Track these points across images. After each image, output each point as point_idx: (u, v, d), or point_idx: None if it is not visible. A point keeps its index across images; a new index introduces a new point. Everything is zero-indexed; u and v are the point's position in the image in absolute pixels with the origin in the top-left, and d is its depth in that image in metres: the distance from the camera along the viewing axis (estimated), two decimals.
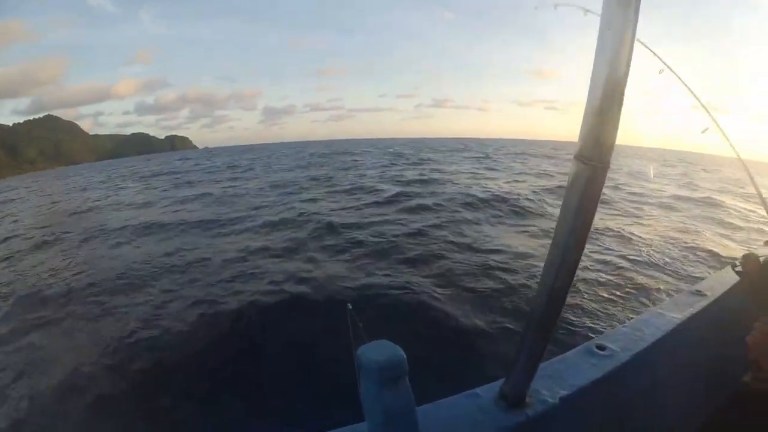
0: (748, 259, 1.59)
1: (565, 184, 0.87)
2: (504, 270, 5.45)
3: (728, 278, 1.80)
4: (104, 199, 16.48)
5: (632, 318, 1.77)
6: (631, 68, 0.76)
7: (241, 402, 3.06)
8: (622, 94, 0.77)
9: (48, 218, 12.67)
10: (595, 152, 0.79)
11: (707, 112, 1.98)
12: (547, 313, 0.97)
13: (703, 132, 1.93)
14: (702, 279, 2.15)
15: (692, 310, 1.59)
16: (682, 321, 1.54)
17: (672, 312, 1.58)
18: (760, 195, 1.97)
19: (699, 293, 1.68)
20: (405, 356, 0.92)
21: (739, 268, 1.61)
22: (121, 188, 20.85)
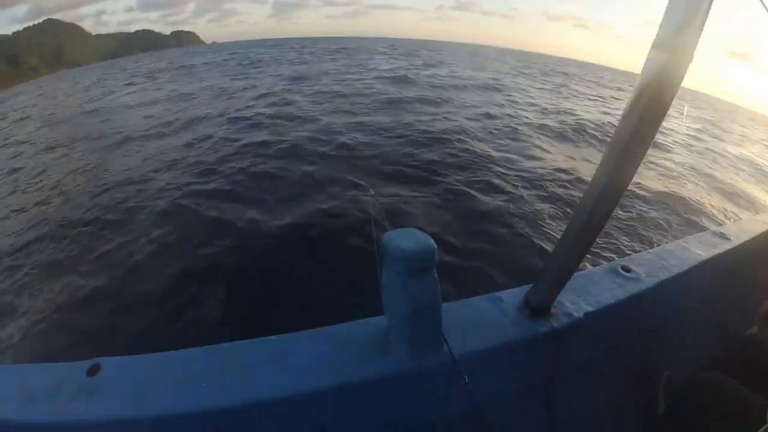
0: None
1: None
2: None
3: (752, 226, 1.80)
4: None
5: (657, 245, 1.80)
6: None
7: (257, 296, 3.01)
8: None
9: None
10: (678, 41, 0.72)
11: None
12: (589, 224, 0.91)
13: None
14: (726, 223, 2.14)
15: (716, 251, 1.58)
16: (705, 259, 1.52)
17: (696, 248, 1.57)
18: None
19: (723, 236, 1.66)
20: (435, 246, 0.85)
21: None
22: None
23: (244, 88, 13.25)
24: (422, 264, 0.84)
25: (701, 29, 0.71)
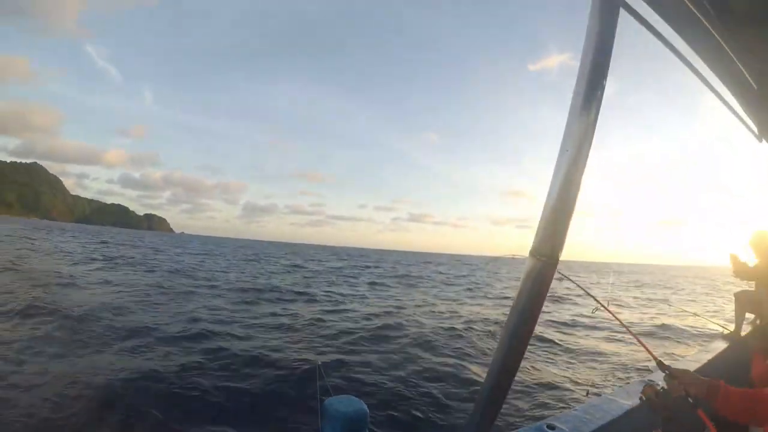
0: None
1: None
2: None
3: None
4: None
5: (584, 402, 1.88)
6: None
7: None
8: (574, 200, 0.91)
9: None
10: (547, 249, 0.91)
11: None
12: (492, 397, 1.00)
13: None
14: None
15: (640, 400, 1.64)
16: (631, 408, 1.60)
17: (622, 398, 1.64)
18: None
19: (651, 383, 1.58)
20: (368, 412, 1.01)
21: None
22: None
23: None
24: (356, 426, 0.96)
25: (564, 240, 0.91)
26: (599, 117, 0.94)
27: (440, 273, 30.10)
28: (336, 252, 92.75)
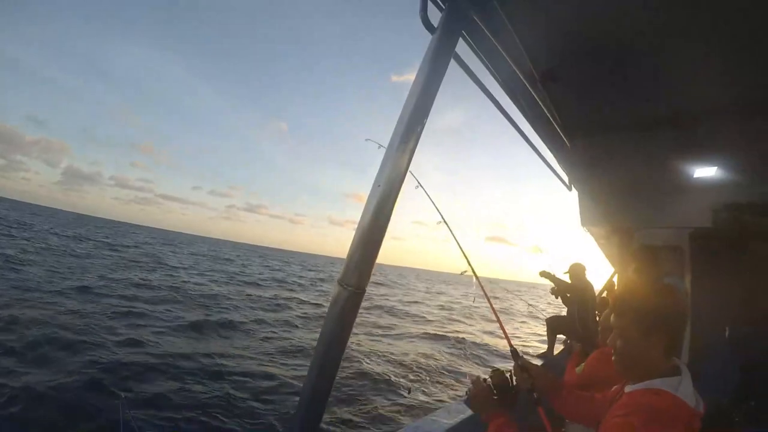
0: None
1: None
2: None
3: None
4: None
5: (407, 424, 1.92)
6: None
7: None
8: (382, 234, 0.95)
9: None
10: (354, 279, 0.95)
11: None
12: (307, 417, 0.99)
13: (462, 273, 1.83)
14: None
15: (462, 416, 1.70)
16: (451, 426, 1.65)
17: (444, 419, 1.68)
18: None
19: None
20: None
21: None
22: None
23: None
24: None
25: (371, 269, 0.96)
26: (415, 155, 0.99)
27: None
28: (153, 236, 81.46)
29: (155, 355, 6.40)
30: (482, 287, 1.79)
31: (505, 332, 1.64)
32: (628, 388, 1.01)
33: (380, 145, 1.76)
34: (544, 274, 4.20)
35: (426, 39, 1.07)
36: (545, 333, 4.55)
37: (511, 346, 1.50)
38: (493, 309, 1.76)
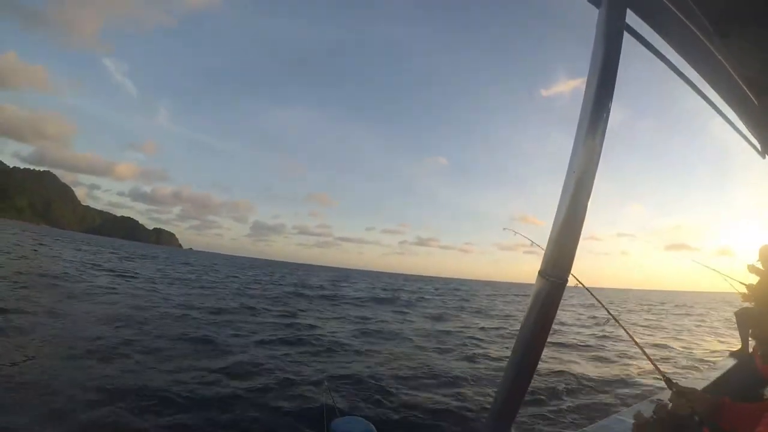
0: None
1: None
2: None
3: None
4: None
5: (595, 422, 1.84)
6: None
7: None
8: (581, 221, 0.93)
9: None
10: (556, 270, 0.93)
11: None
12: (504, 411, 1.00)
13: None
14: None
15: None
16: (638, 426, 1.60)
17: (629, 419, 1.59)
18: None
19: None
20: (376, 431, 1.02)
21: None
22: None
23: None
24: None
25: (572, 260, 0.93)
26: (605, 140, 0.96)
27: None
28: (347, 274, 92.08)
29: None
30: None
31: (651, 361, 1.47)
32: None
33: (516, 233, 2.22)
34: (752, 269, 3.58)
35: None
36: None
37: (663, 376, 1.44)
38: (637, 343, 1.57)
